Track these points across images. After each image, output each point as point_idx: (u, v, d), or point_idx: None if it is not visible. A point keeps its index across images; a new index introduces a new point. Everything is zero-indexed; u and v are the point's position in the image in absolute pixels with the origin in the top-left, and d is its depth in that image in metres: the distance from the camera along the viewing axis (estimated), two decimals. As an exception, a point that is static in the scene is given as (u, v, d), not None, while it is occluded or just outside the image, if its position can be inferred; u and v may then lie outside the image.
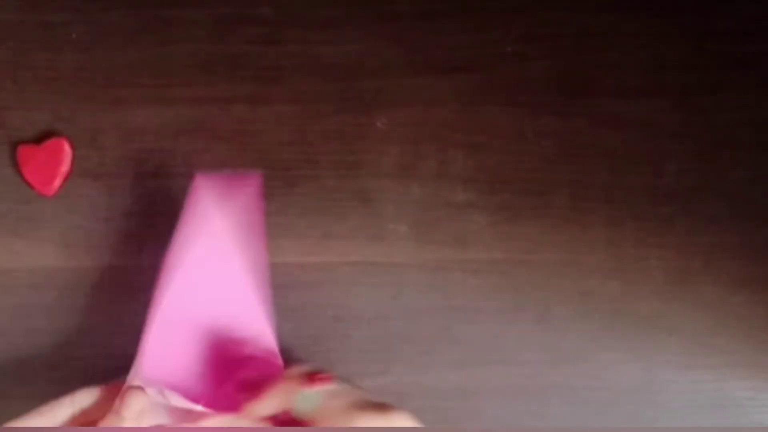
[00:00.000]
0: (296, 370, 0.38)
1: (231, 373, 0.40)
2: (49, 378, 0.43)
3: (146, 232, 0.43)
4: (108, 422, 0.35)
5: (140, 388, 0.36)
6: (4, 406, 0.43)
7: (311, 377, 0.36)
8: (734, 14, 0.44)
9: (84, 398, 0.37)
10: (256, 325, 0.38)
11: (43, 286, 0.43)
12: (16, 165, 0.43)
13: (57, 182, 0.43)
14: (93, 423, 0.36)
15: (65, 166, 0.43)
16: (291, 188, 0.44)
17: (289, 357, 0.42)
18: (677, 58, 0.44)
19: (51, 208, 0.43)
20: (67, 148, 0.43)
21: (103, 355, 0.43)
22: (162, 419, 0.36)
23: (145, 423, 0.36)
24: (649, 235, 0.43)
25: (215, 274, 0.38)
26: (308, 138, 0.44)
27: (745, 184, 0.44)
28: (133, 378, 0.37)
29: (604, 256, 0.43)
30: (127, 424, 0.35)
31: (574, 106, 0.44)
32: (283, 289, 0.43)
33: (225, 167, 0.43)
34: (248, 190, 0.39)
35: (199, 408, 0.38)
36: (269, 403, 0.37)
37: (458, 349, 0.43)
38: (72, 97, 0.44)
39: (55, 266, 0.43)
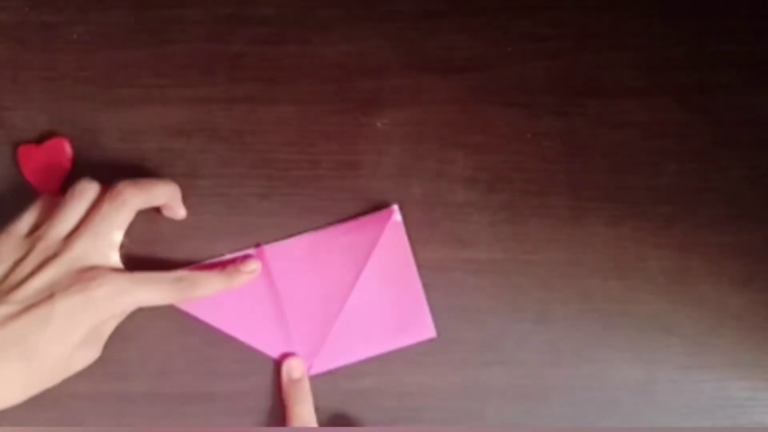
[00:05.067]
0: None
1: None
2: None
3: (146, 232, 0.43)
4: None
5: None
6: (5, 405, 0.43)
7: None
8: (734, 14, 0.44)
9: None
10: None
11: (44, 286, 0.43)
12: (16, 165, 0.43)
13: (57, 182, 0.43)
14: None
15: (66, 167, 0.43)
16: (291, 188, 0.44)
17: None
18: (677, 58, 0.44)
19: (51, 208, 0.43)
20: (67, 148, 0.43)
21: (105, 356, 0.43)
22: None
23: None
24: (649, 235, 0.43)
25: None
26: (308, 138, 0.44)
27: (745, 184, 0.44)
28: None
29: (604, 256, 0.43)
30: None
31: (574, 106, 0.44)
32: (283, 289, 0.43)
33: (225, 167, 0.44)
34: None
35: None
36: None
37: (458, 349, 0.43)
38: (73, 97, 0.44)
39: (56, 266, 0.43)
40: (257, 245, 0.43)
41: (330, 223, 0.43)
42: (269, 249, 0.43)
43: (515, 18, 0.44)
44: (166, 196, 0.41)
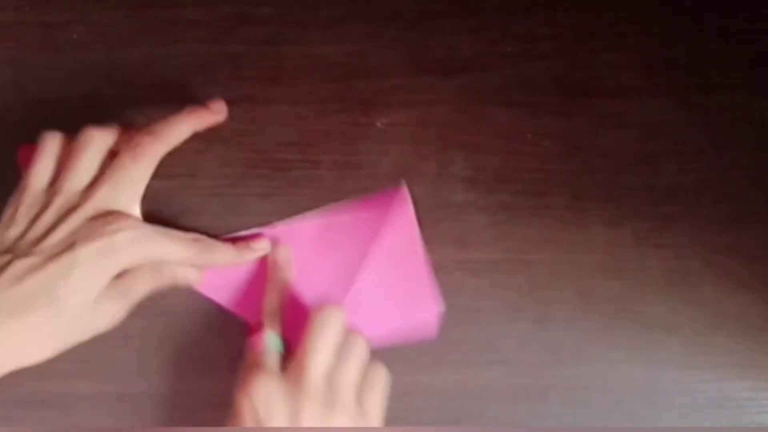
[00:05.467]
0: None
1: None
2: (50, 375, 0.43)
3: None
4: None
5: None
6: (4, 407, 0.43)
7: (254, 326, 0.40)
8: (734, 14, 0.44)
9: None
10: None
11: (44, 286, 0.43)
12: (16, 165, 0.43)
13: (57, 182, 0.43)
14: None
15: (65, 166, 0.43)
16: (291, 188, 0.44)
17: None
18: (677, 58, 0.44)
19: (51, 208, 0.43)
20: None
21: (105, 356, 0.43)
22: None
23: None
24: (649, 235, 0.43)
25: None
26: (308, 138, 0.44)
27: (745, 184, 0.44)
28: None
29: (604, 256, 0.43)
30: None
31: (574, 106, 0.44)
32: (283, 289, 0.43)
33: (225, 167, 0.44)
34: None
35: None
36: None
37: (458, 349, 0.43)
38: (72, 97, 0.44)
39: (56, 266, 0.43)
40: (269, 225, 0.43)
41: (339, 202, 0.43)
42: (281, 229, 0.43)
43: (515, 18, 0.44)
44: (182, 135, 0.40)
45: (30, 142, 0.43)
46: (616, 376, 0.43)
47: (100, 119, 0.43)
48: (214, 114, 0.41)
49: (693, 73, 0.44)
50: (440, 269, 0.43)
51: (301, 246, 0.43)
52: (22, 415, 0.43)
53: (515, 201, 0.44)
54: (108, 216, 0.36)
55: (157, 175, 0.43)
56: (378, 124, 0.44)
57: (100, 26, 0.44)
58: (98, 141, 0.38)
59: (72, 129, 0.43)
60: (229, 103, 0.44)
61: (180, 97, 0.44)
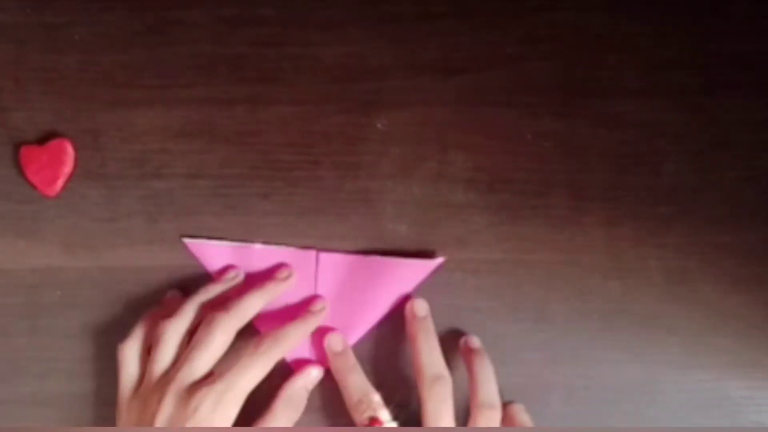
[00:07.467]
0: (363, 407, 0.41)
1: None
2: (50, 378, 0.43)
3: (148, 232, 0.44)
4: None
5: None
6: (4, 406, 0.43)
7: (372, 421, 0.40)
8: (734, 14, 0.44)
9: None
10: None
11: (46, 285, 0.43)
12: (18, 166, 0.43)
13: (59, 183, 0.43)
14: None
15: (67, 167, 0.43)
16: (291, 188, 0.44)
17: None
18: (677, 58, 0.44)
19: (53, 208, 0.44)
20: (69, 149, 0.43)
21: (105, 355, 0.43)
22: None
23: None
24: (649, 235, 0.43)
25: None
26: (309, 139, 0.44)
27: (745, 184, 0.44)
28: None
29: (604, 256, 0.44)
30: None
31: (573, 106, 0.44)
32: (283, 288, 0.43)
33: (226, 167, 0.44)
34: None
35: None
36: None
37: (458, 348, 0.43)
38: (74, 98, 0.44)
39: (58, 266, 0.43)
40: (313, 248, 0.43)
41: (368, 250, 0.44)
42: (323, 256, 0.43)
43: (514, 19, 0.44)
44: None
45: (31, 143, 0.44)
46: (616, 376, 0.43)
47: (102, 120, 0.44)
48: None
49: (693, 74, 0.44)
50: (440, 269, 0.43)
51: (337, 278, 0.43)
52: (22, 414, 0.43)
53: (515, 201, 0.44)
54: (185, 395, 0.37)
55: (157, 175, 0.44)
56: (378, 124, 0.44)
57: (101, 27, 0.44)
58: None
59: (73, 130, 0.44)
60: (230, 103, 0.44)
61: (181, 98, 0.44)
